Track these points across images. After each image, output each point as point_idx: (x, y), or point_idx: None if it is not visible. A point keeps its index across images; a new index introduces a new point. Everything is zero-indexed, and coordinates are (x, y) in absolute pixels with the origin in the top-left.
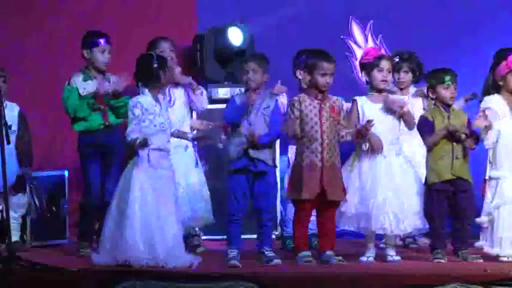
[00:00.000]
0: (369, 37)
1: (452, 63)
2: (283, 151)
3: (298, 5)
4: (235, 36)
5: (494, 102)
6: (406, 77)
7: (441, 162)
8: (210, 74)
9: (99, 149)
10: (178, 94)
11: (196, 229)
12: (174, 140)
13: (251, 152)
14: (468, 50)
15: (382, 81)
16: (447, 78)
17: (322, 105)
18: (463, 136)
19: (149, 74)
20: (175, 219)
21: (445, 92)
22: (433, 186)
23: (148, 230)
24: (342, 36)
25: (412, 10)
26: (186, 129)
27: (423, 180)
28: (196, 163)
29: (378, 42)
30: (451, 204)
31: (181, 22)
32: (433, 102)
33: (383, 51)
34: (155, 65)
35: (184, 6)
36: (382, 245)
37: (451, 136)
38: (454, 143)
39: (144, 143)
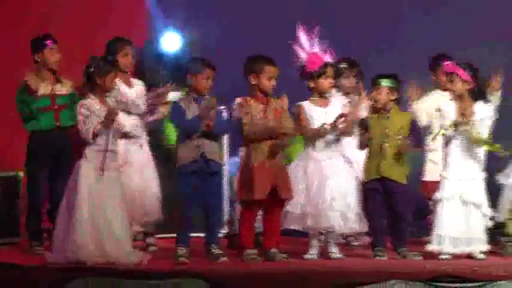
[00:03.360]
0: (316, 43)
1: (397, 67)
2: (234, 153)
3: (246, 11)
4: (172, 42)
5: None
6: (354, 82)
7: (370, 162)
8: (150, 79)
9: (50, 150)
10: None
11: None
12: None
13: (207, 153)
14: (413, 53)
15: (330, 87)
16: (377, 82)
17: (267, 108)
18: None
19: (88, 79)
20: (122, 218)
21: (374, 94)
22: (364, 184)
23: (96, 230)
24: (289, 42)
25: (360, 15)
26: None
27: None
28: (151, 161)
29: (325, 48)
30: (386, 204)
31: (133, 26)
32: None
33: (326, 55)
34: (91, 69)
35: (137, 10)
36: (322, 243)
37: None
38: (386, 144)
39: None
